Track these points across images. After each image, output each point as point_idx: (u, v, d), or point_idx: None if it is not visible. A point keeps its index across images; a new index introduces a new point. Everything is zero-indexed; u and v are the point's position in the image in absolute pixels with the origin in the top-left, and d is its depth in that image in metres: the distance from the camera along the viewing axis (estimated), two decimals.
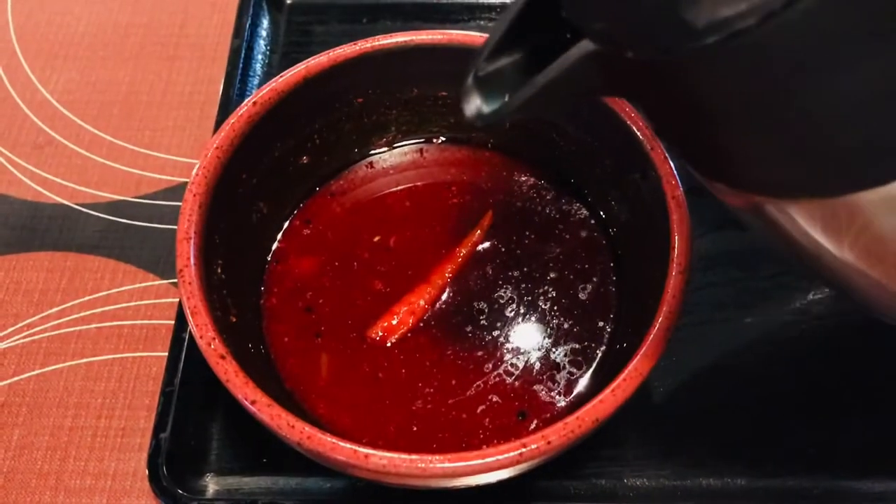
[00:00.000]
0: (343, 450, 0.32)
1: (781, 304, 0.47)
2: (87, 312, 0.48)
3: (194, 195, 0.38)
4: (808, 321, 0.47)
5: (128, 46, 0.59)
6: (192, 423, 0.43)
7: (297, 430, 0.33)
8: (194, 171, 0.39)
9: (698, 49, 0.23)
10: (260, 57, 0.56)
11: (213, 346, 0.35)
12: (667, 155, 0.39)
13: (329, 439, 0.33)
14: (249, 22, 0.56)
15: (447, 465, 0.32)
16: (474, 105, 0.30)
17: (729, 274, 0.48)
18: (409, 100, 0.46)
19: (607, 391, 0.33)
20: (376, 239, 0.44)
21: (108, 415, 0.45)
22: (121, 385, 0.46)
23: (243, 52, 0.55)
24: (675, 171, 0.39)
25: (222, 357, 0.35)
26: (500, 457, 0.32)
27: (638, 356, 0.34)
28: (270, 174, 0.43)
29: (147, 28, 0.60)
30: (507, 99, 0.30)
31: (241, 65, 0.54)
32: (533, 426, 0.39)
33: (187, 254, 0.37)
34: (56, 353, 0.47)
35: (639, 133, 0.40)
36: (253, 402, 0.34)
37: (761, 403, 0.44)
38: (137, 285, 0.49)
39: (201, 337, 0.35)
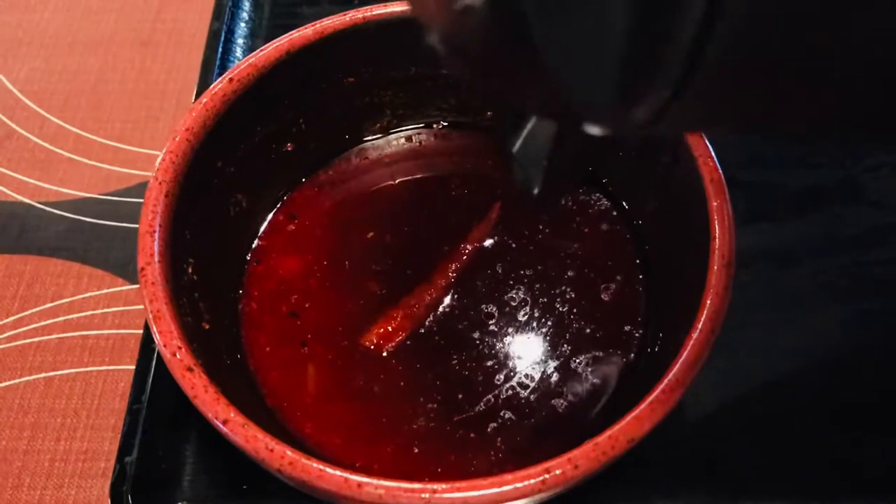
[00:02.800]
0: (331, 478, 0.27)
1: (824, 305, 0.42)
2: (48, 321, 0.43)
3: (160, 183, 0.33)
4: (855, 324, 0.41)
5: (98, 32, 0.55)
6: (163, 445, 0.38)
7: (278, 455, 0.28)
8: (160, 156, 0.34)
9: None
10: (241, 41, 0.51)
11: (178, 356, 0.30)
12: (702, 132, 0.34)
13: (315, 465, 0.28)
14: (231, 3, 0.52)
15: (456, 494, 0.27)
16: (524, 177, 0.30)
17: (763, 273, 0.43)
18: (406, 79, 0.41)
19: (644, 405, 0.28)
20: (370, 235, 0.39)
21: (68, 436, 0.40)
22: (84, 402, 0.41)
23: (223, 35, 0.50)
24: (712, 151, 0.34)
25: (189, 369, 0.29)
26: (518, 484, 0.27)
27: (678, 363, 0.29)
28: (250, 162, 0.38)
29: (119, 12, 0.55)
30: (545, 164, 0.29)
31: (220, 50, 0.49)
32: (553, 447, 0.34)
33: (150, 249, 0.32)
34: (11, 368, 0.42)
35: None
36: (225, 422, 0.28)
37: (806, 418, 0.39)
38: (104, 291, 0.44)
39: (165, 345, 0.30)
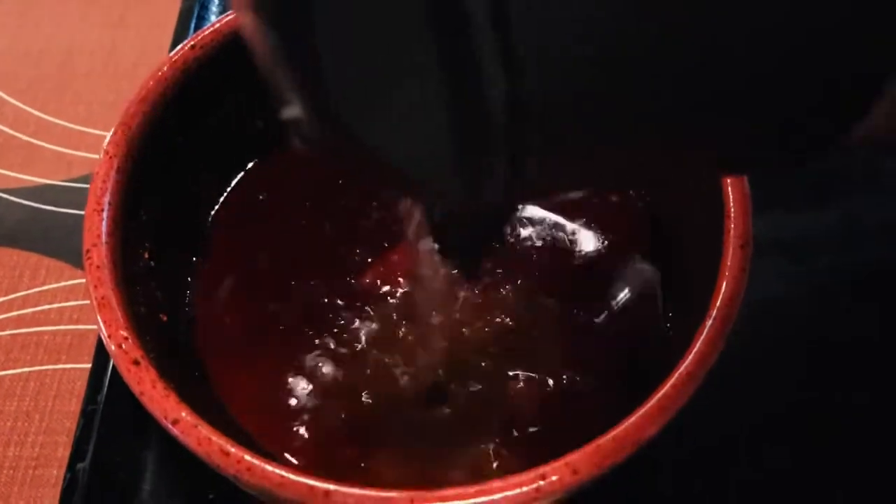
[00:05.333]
0: (295, 485, 0.24)
1: (845, 302, 0.39)
2: (0, 317, 0.40)
3: (110, 157, 0.30)
4: (878, 321, 0.38)
5: (66, 12, 0.51)
6: (120, 450, 0.34)
7: (234, 459, 0.24)
8: (112, 129, 0.31)
9: None
10: (213, 19, 0.47)
11: (124, 348, 0.26)
12: None
13: (276, 471, 0.24)
14: None
15: None
16: None
17: (778, 266, 0.39)
18: None
19: (651, 402, 0.25)
20: (347, 215, 0.36)
21: (18, 441, 0.37)
22: (37, 405, 0.38)
23: (196, 12, 0.47)
24: None
25: (136, 362, 0.26)
26: (509, 493, 0.23)
27: (690, 355, 0.26)
28: (215, 139, 0.35)
29: None
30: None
31: (191, 28, 0.46)
32: (552, 447, 0.30)
33: (98, 230, 0.29)
34: None
35: None
36: (175, 422, 0.25)
37: (825, 420, 0.36)
38: (63, 283, 0.41)
39: (110, 336, 0.27)
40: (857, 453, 0.35)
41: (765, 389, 0.36)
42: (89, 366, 0.37)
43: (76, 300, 0.40)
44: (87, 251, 0.28)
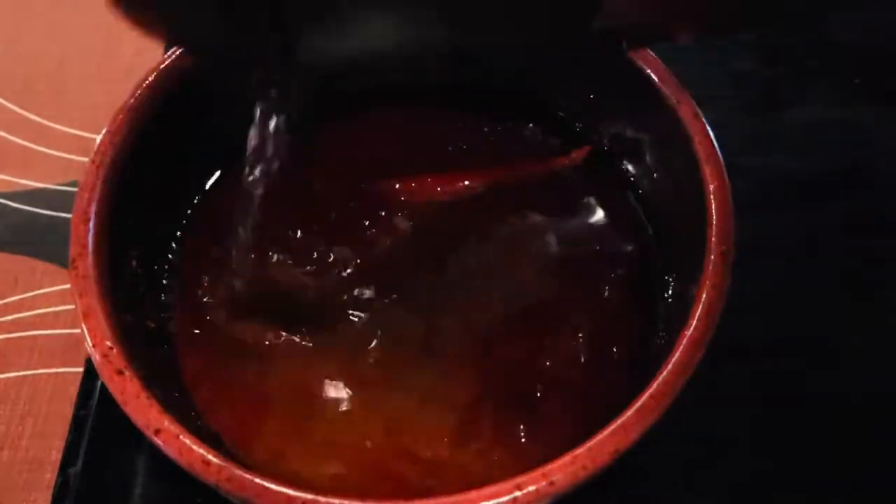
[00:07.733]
0: (274, 494, 0.24)
1: (837, 302, 0.39)
2: None
3: (97, 167, 0.30)
4: (870, 322, 0.38)
5: (60, 14, 0.51)
6: (112, 454, 0.35)
7: (214, 469, 0.25)
8: (99, 136, 0.31)
9: None
10: None
11: (108, 357, 0.26)
12: (698, 111, 0.31)
13: (256, 480, 0.24)
14: None
15: None
16: None
17: (771, 268, 0.39)
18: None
19: (630, 412, 0.25)
20: (330, 219, 0.36)
21: (12, 445, 0.37)
22: (31, 408, 0.38)
23: None
24: (709, 131, 0.30)
25: (120, 372, 0.26)
26: (486, 503, 0.24)
27: (669, 364, 0.26)
28: (203, 146, 0.35)
29: None
30: None
31: None
32: (534, 453, 0.30)
33: (83, 240, 0.29)
34: None
35: (661, 84, 0.32)
36: (157, 432, 0.25)
37: (820, 423, 0.36)
38: (57, 287, 0.41)
39: (95, 346, 0.27)
40: (855, 453, 0.35)
41: (757, 391, 0.36)
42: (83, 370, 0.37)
43: (71, 304, 0.40)
44: (73, 261, 0.28)
